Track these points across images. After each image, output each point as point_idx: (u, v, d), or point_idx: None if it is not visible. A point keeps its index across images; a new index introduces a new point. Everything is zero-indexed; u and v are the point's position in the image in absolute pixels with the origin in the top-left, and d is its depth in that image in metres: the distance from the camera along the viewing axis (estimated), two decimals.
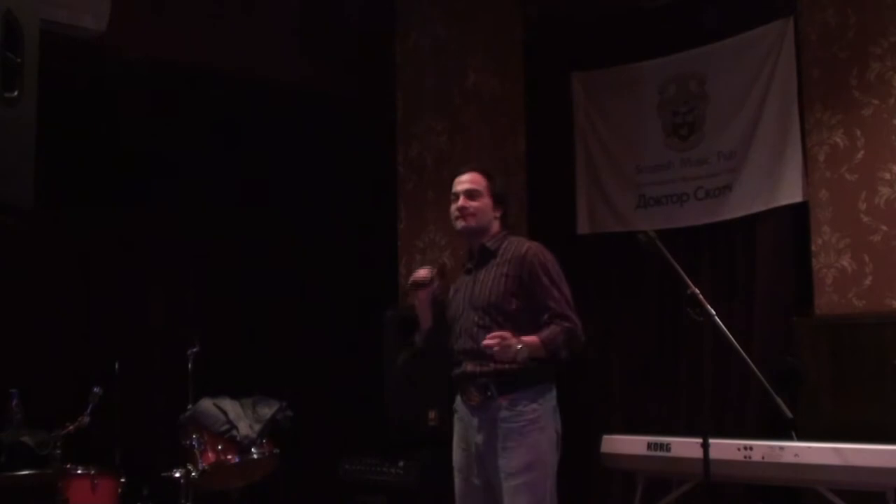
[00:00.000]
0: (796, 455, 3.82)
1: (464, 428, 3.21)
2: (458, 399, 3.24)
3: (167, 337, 4.68)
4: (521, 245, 3.21)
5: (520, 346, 2.92)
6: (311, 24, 5.87)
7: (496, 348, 2.92)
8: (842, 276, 4.59)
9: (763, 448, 3.92)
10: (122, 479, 4.35)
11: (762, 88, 5.03)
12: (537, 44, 5.78)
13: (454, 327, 3.24)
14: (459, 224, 3.24)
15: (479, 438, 3.12)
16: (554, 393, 3.16)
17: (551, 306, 3.09)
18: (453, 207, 3.25)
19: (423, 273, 3.24)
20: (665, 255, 3.16)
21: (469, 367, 3.13)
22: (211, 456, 4.39)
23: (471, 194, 3.22)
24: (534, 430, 3.06)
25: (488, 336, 2.95)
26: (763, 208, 5.01)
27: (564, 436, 3.17)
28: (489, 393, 3.08)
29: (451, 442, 3.28)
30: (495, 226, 3.26)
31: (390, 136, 5.74)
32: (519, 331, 3.00)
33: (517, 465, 3.03)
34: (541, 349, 3.01)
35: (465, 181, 3.25)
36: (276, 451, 4.56)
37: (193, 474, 4.34)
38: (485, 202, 3.23)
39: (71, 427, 4.20)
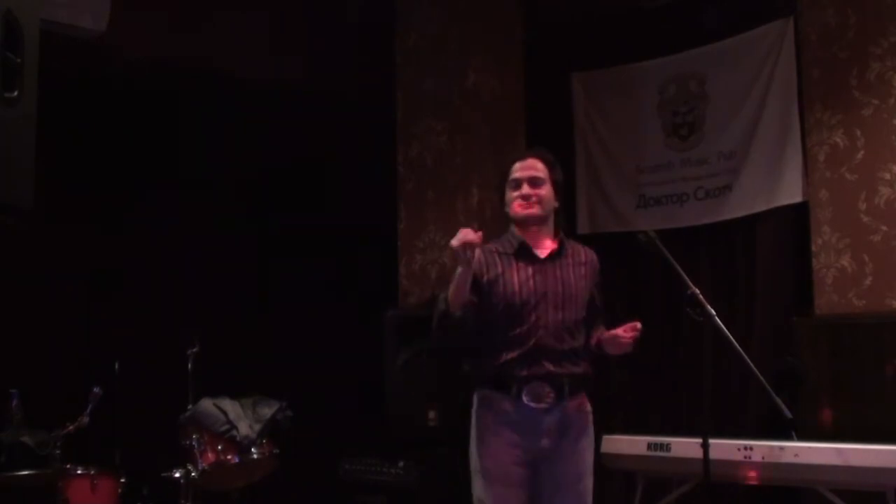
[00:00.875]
0: (796, 455, 3.83)
1: (517, 434, 2.93)
2: (507, 402, 2.94)
3: (167, 337, 4.67)
4: (587, 249, 3.22)
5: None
6: (311, 24, 5.87)
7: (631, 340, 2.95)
8: (842, 276, 4.59)
9: (763, 448, 3.92)
10: (122, 479, 4.34)
11: (762, 88, 5.03)
12: (537, 44, 5.78)
13: (515, 315, 2.96)
14: (521, 212, 3.06)
15: (544, 442, 2.94)
16: None
17: (602, 317, 3.19)
18: (516, 194, 3.07)
19: (474, 235, 2.72)
20: (665, 255, 3.16)
21: (550, 366, 2.93)
22: (211, 456, 4.39)
23: (535, 181, 3.08)
24: (592, 432, 3.08)
25: (631, 329, 2.96)
26: (763, 208, 5.01)
27: None
28: (564, 392, 2.95)
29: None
30: (552, 218, 3.16)
31: (390, 136, 5.73)
32: (581, 335, 3.07)
33: (586, 466, 3.02)
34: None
35: (528, 167, 3.11)
36: (276, 451, 4.55)
37: (193, 474, 4.34)
38: (548, 190, 3.12)
39: (71, 427, 4.19)
